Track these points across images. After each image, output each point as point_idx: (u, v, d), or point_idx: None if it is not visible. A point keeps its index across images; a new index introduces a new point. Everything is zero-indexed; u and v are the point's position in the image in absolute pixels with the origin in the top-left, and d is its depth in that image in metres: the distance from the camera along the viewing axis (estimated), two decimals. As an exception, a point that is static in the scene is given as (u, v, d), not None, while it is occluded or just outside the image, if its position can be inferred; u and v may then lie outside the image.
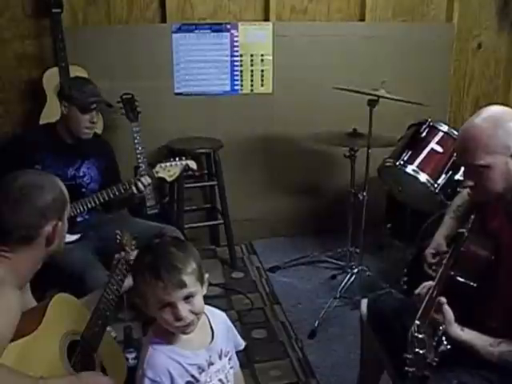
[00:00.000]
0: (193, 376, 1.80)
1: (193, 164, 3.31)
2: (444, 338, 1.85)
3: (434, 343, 1.83)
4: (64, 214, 2.02)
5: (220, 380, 1.90)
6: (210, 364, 1.86)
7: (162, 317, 1.74)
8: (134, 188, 3.16)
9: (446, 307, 1.93)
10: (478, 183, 2.12)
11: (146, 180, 3.20)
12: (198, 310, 1.77)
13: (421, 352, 1.81)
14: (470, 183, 2.14)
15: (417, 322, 1.89)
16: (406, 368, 1.84)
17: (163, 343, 1.80)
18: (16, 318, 1.73)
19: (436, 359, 1.80)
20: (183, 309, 1.73)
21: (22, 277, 1.94)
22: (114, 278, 2.22)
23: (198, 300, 1.78)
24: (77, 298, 2.21)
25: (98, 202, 3.12)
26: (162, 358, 1.77)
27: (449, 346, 1.83)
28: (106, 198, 3.13)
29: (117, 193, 3.14)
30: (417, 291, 2.12)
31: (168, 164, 3.27)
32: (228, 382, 1.92)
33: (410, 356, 1.84)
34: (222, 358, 1.91)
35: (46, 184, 1.97)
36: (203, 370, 1.83)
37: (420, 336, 1.84)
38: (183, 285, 1.72)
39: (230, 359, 1.96)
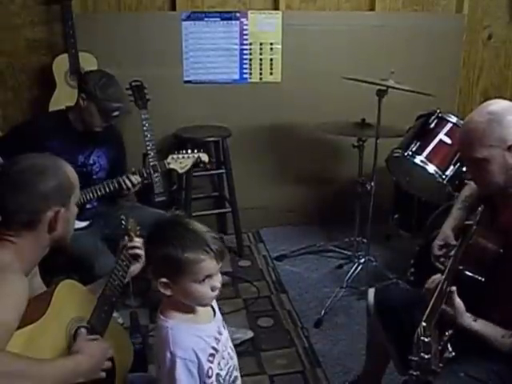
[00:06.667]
0: (213, 348, 1.84)
1: (205, 157, 3.32)
2: (449, 345, 1.86)
3: (440, 347, 1.83)
4: (69, 202, 1.98)
5: (230, 347, 1.96)
6: (220, 334, 1.91)
7: (197, 291, 1.76)
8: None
9: (457, 299, 1.93)
10: (478, 176, 2.19)
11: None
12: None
13: (426, 357, 1.81)
14: (470, 176, 2.22)
15: (423, 324, 1.88)
16: (411, 371, 1.84)
17: (179, 322, 1.82)
18: (22, 304, 1.71)
19: (440, 365, 1.80)
20: (218, 279, 1.79)
21: (28, 262, 1.92)
22: (120, 263, 2.21)
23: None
24: (85, 284, 2.23)
25: (96, 194, 3.15)
26: (184, 335, 1.79)
27: (453, 353, 1.84)
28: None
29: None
30: (427, 285, 2.12)
31: (180, 156, 3.28)
32: (233, 350, 1.98)
33: (415, 358, 1.84)
34: (225, 327, 1.98)
35: (50, 169, 1.93)
36: (219, 340, 1.88)
37: (426, 340, 1.83)
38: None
39: None
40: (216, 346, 1.85)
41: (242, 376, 2.01)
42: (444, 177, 3.43)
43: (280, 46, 4.47)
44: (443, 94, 4.18)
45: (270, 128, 4.63)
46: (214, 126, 4.37)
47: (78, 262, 2.90)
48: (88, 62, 3.96)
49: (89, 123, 3.17)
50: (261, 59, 4.48)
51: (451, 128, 3.52)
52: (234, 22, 4.35)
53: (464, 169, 3.41)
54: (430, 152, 3.49)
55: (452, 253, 2.18)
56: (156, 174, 3.47)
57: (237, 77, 4.48)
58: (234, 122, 4.41)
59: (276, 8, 4.44)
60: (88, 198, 3.13)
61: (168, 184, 3.99)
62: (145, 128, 3.60)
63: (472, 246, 2.11)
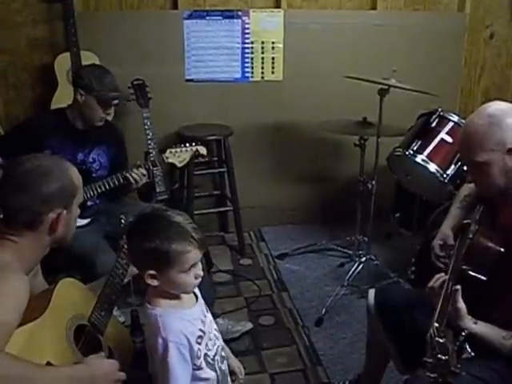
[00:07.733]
0: (201, 330, 1.88)
1: (203, 149, 3.32)
2: (467, 345, 1.83)
3: (456, 348, 1.79)
4: (71, 204, 1.99)
5: (215, 329, 2.01)
6: (205, 316, 1.96)
7: (183, 280, 1.81)
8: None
9: (461, 302, 1.93)
10: (479, 179, 2.20)
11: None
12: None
13: (443, 358, 1.74)
14: (470, 178, 2.23)
15: (435, 325, 1.84)
16: (427, 373, 1.77)
17: (167, 309, 1.85)
18: (23, 303, 1.72)
19: (459, 366, 1.73)
20: (200, 267, 1.84)
21: (28, 261, 1.93)
22: (120, 262, 2.23)
23: None
24: (87, 282, 2.23)
25: (100, 190, 3.14)
26: (173, 320, 1.82)
27: (473, 354, 1.81)
28: (107, 187, 3.16)
29: (116, 182, 3.17)
30: (430, 284, 2.11)
31: (178, 150, 3.28)
32: (218, 331, 2.03)
33: (430, 360, 1.78)
34: (207, 310, 2.02)
35: (54, 171, 1.94)
36: (204, 323, 1.93)
37: (441, 341, 1.78)
38: (206, 243, 1.84)
39: None
40: (203, 328, 1.90)
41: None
42: (445, 176, 3.43)
43: (282, 45, 4.46)
44: (445, 93, 4.17)
45: (271, 127, 4.63)
46: (215, 124, 4.37)
47: (80, 260, 2.90)
48: (90, 61, 3.93)
49: (89, 118, 3.18)
50: (262, 58, 4.47)
51: (452, 127, 3.52)
52: (235, 20, 4.35)
53: (465, 168, 3.42)
54: (431, 151, 3.49)
55: (452, 252, 2.18)
56: (157, 172, 3.48)
57: (238, 75, 4.48)
58: (236, 121, 4.41)
59: (278, 6, 4.43)
60: (90, 195, 3.12)
61: (170, 182, 4.00)
62: (146, 126, 3.61)
63: (474, 245, 2.11)
